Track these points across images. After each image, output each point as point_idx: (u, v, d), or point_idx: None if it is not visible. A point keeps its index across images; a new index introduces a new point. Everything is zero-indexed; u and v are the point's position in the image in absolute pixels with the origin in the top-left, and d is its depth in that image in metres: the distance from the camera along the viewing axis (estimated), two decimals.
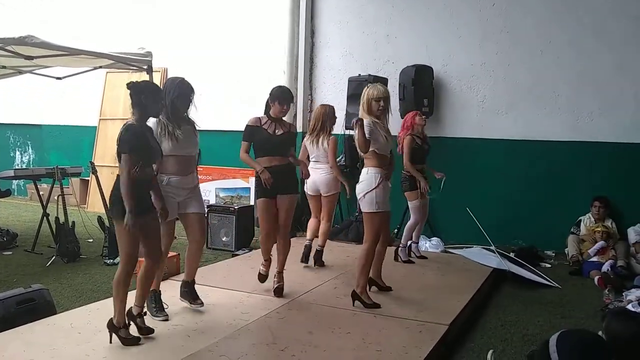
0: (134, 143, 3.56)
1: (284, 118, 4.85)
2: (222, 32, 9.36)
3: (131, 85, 3.75)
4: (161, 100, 3.89)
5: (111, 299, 3.79)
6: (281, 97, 4.71)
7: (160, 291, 4.29)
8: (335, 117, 6.07)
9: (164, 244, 4.12)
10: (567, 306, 5.22)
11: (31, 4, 10.71)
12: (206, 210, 5.06)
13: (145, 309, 3.91)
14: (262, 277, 5.00)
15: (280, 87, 4.83)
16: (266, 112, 4.81)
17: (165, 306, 4.25)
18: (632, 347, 2.28)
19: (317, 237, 6.04)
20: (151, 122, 4.01)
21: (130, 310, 3.82)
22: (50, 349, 3.61)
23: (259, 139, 4.74)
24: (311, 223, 6.16)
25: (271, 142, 4.73)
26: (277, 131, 4.75)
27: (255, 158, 4.78)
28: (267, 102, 4.80)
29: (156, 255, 3.89)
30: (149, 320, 3.98)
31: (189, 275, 4.45)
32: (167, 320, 4.15)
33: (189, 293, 4.43)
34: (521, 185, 7.57)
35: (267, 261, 5.00)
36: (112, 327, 3.68)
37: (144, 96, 3.70)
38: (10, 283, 5.47)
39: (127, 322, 3.71)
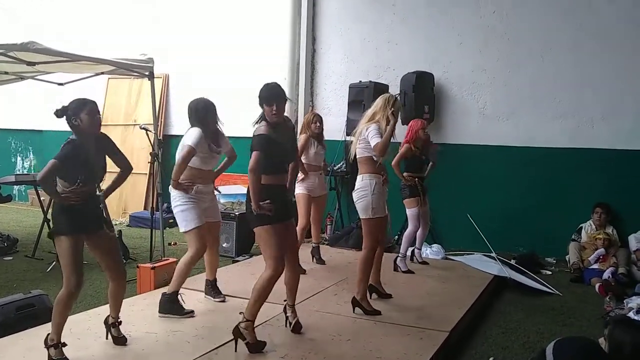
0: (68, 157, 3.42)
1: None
2: (223, 38, 9.39)
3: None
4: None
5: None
6: (268, 96, 3.83)
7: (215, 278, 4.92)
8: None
9: (209, 246, 4.64)
10: (568, 313, 5.21)
11: (33, 10, 10.75)
12: None
13: (120, 319, 3.83)
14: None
15: (266, 85, 3.88)
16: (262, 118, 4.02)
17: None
18: (637, 356, 2.27)
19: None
20: (196, 136, 4.35)
21: (106, 318, 3.87)
22: None
23: (274, 153, 3.83)
24: (312, 229, 6.36)
25: (286, 154, 4.00)
26: (286, 141, 3.99)
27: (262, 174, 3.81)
28: (260, 105, 3.94)
29: (118, 270, 3.74)
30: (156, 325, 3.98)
31: (213, 275, 4.93)
32: (223, 301, 4.82)
33: (213, 289, 4.89)
34: (522, 191, 7.56)
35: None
36: (45, 342, 3.54)
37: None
38: (10, 288, 5.47)
39: (61, 341, 3.53)
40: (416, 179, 6.10)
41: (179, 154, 4.43)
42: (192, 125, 4.51)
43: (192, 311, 4.47)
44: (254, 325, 3.81)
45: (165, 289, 4.57)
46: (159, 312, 4.45)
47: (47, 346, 3.49)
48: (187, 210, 4.45)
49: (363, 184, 4.57)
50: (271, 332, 4.10)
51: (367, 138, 4.53)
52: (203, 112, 4.50)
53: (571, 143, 7.31)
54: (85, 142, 3.50)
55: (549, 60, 7.41)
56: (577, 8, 7.27)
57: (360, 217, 4.61)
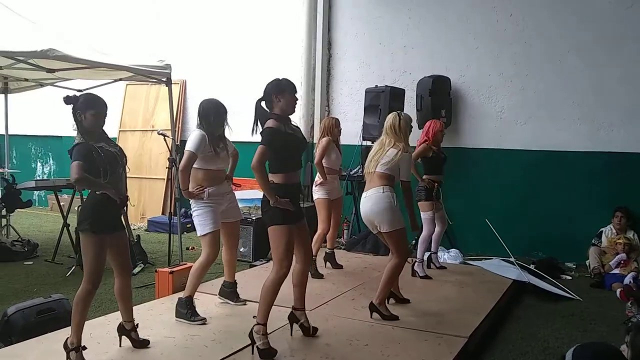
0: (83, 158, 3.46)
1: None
2: (239, 44, 9.45)
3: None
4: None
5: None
6: (291, 86, 3.84)
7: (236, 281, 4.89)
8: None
9: (229, 247, 4.75)
10: (589, 319, 5.15)
11: (51, 18, 10.89)
12: None
13: (136, 322, 3.84)
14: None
15: (278, 78, 3.89)
16: (264, 115, 3.88)
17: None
18: None
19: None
20: (195, 140, 4.38)
21: (121, 325, 3.82)
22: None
23: (290, 146, 3.78)
24: (330, 233, 6.23)
25: (300, 150, 3.95)
26: (297, 135, 3.92)
27: (275, 172, 3.80)
28: (267, 100, 3.87)
29: (128, 266, 3.81)
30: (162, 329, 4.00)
31: (232, 277, 4.89)
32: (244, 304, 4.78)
33: (233, 293, 4.87)
34: (540, 196, 7.49)
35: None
36: (65, 346, 3.54)
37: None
38: (31, 293, 5.54)
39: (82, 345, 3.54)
40: (435, 183, 6.00)
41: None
42: (198, 125, 4.55)
43: (204, 319, 4.41)
44: (268, 332, 3.81)
45: (181, 294, 4.59)
46: (176, 316, 4.47)
47: (68, 350, 3.51)
48: (202, 215, 4.48)
49: (385, 195, 4.53)
50: (288, 337, 4.10)
51: (398, 165, 4.58)
52: (210, 113, 4.49)
53: (591, 147, 7.23)
54: (91, 140, 3.52)
55: (566, 63, 7.34)
56: (595, 12, 7.19)
57: (389, 230, 4.50)
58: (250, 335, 3.78)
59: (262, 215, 3.89)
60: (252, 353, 3.76)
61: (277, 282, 3.75)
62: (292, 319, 4.14)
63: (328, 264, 6.33)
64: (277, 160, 3.78)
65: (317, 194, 6.04)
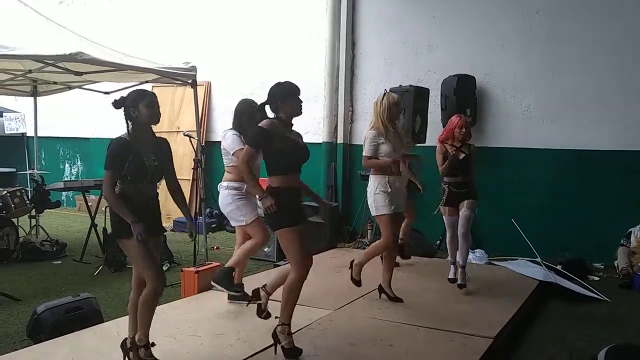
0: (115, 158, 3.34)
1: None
2: (263, 45, 9.50)
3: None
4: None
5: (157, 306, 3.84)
6: (296, 89, 3.84)
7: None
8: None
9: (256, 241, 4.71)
10: (617, 321, 5.06)
11: (78, 21, 11.07)
12: None
13: (152, 341, 3.55)
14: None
15: (281, 82, 3.89)
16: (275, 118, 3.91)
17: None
18: None
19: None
20: (238, 140, 4.62)
21: (132, 340, 3.57)
22: (97, 356, 3.72)
23: (286, 149, 3.73)
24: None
25: (298, 152, 3.84)
26: (298, 139, 3.90)
27: (271, 175, 3.77)
28: (272, 104, 3.85)
29: (161, 279, 3.48)
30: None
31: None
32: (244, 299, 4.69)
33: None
34: (567, 195, 7.39)
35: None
36: (131, 345, 3.53)
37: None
38: (60, 292, 5.64)
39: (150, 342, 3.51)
40: (447, 186, 5.39)
41: (238, 161, 4.26)
42: (233, 126, 4.76)
43: (241, 286, 4.73)
44: (293, 331, 3.83)
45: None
46: (212, 280, 4.76)
47: (136, 347, 3.50)
48: (243, 205, 4.66)
49: (371, 181, 4.95)
50: (313, 336, 4.11)
51: (365, 143, 4.92)
52: (244, 118, 4.71)
53: (618, 145, 7.10)
54: (138, 138, 3.41)
55: (594, 62, 7.22)
56: (622, 9, 7.06)
57: (373, 214, 4.98)
58: (274, 335, 3.81)
59: (265, 221, 4.00)
60: (275, 352, 3.79)
61: (298, 282, 3.77)
62: (255, 294, 4.22)
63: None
64: (273, 163, 3.74)
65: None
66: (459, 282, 5.40)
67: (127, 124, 3.44)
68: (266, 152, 3.72)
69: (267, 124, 3.72)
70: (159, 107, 3.51)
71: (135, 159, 3.34)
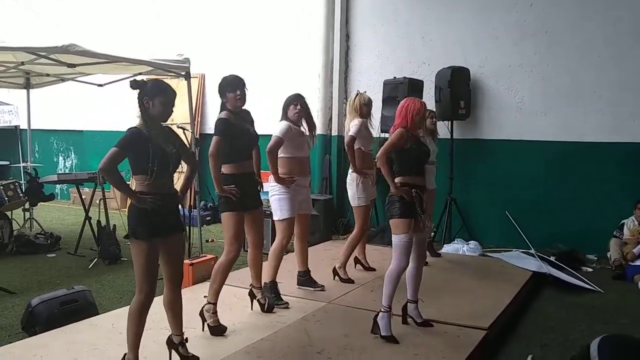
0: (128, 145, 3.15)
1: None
2: (257, 37, 9.47)
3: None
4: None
5: None
6: (233, 83, 4.13)
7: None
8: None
9: (300, 237, 4.97)
10: (610, 311, 5.11)
11: (68, 13, 11.00)
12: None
13: (186, 336, 3.52)
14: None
15: (226, 75, 4.22)
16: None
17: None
18: None
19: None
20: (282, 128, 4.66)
21: (170, 338, 3.53)
22: (92, 349, 3.72)
23: (238, 137, 4.08)
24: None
25: (249, 139, 4.20)
26: (249, 128, 4.23)
27: (224, 163, 4.08)
28: (220, 96, 4.21)
29: (178, 280, 3.46)
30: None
31: (305, 266, 5.10)
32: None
33: (309, 280, 5.07)
34: (561, 187, 7.42)
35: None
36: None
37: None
38: (54, 284, 5.64)
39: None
40: (413, 190, 3.93)
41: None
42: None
43: (287, 303, 4.64)
44: (288, 323, 3.86)
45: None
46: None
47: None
48: (283, 200, 4.65)
49: (349, 173, 5.40)
50: (307, 327, 4.13)
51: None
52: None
53: (612, 137, 7.13)
54: (152, 130, 3.20)
55: (587, 53, 7.24)
56: (616, 1, 7.08)
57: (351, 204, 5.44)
58: (201, 313, 4.02)
59: (217, 202, 4.21)
60: (203, 330, 3.99)
61: (226, 264, 4.08)
62: (251, 295, 4.50)
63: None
64: (226, 151, 4.04)
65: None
66: (420, 321, 4.27)
67: (141, 112, 3.25)
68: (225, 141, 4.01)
69: (225, 114, 4.10)
70: (173, 107, 3.31)
71: (157, 148, 3.15)
